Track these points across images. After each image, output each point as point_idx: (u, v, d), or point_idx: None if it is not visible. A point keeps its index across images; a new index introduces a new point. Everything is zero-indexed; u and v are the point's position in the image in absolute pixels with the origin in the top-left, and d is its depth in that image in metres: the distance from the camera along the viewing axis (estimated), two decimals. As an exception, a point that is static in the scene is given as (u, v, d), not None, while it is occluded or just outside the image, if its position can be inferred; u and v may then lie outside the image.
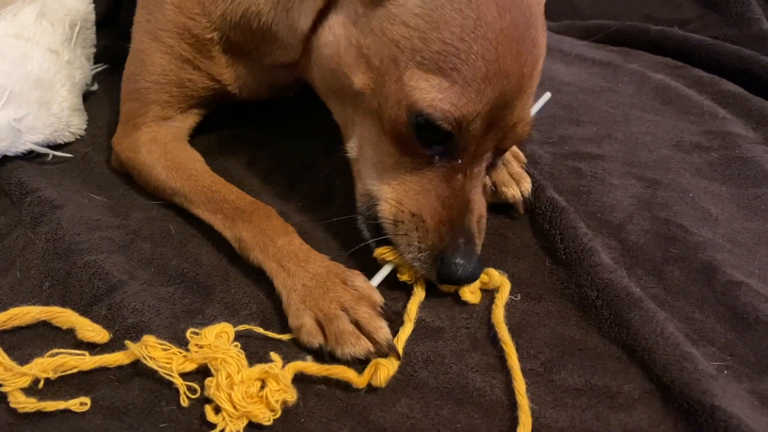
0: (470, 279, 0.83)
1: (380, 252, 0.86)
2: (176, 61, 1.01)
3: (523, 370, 0.76)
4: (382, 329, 0.78)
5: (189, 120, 1.09)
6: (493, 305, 0.83)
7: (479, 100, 0.75)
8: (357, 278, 0.83)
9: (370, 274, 0.86)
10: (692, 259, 0.91)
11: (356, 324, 0.78)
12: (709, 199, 1.03)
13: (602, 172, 1.06)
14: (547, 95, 1.26)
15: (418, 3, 0.76)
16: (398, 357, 0.77)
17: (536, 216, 0.96)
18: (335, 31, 0.84)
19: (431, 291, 0.87)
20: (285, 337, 0.81)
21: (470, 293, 0.86)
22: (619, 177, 1.06)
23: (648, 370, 0.77)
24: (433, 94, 0.75)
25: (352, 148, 0.87)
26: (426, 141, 0.79)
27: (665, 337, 0.77)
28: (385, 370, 0.76)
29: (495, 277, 0.87)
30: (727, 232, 0.97)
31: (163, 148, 1.02)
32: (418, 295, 0.85)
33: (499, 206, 0.99)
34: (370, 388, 0.75)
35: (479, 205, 0.84)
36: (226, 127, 1.18)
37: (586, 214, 0.98)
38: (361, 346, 0.77)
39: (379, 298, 0.82)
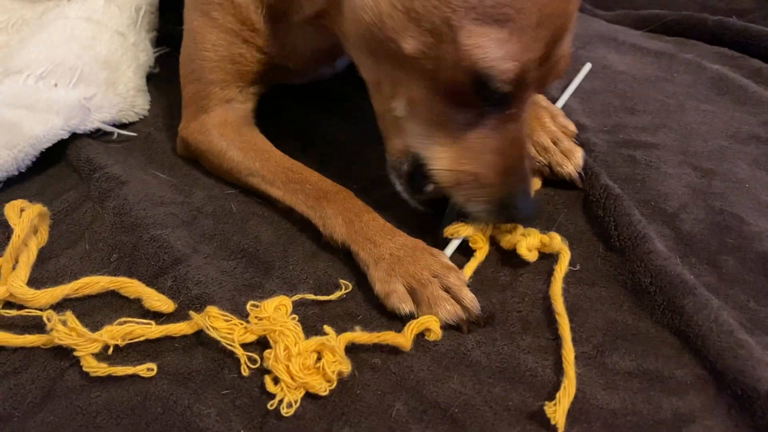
0: (531, 217, 0.86)
1: (450, 231, 0.88)
2: (225, 35, 1.03)
3: (575, 354, 0.76)
4: (472, 299, 0.81)
5: (249, 102, 1.11)
6: (552, 277, 0.84)
7: (535, 47, 0.75)
8: (442, 254, 0.86)
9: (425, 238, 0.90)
10: (748, 248, 0.91)
11: (447, 291, 0.81)
12: (766, 190, 1.02)
13: (657, 161, 1.06)
14: (588, 66, 1.26)
15: None
16: (485, 325, 0.81)
17: (590, 203, 0.97)
18: None
19: (482, 274, 0.89)
20: (333, 296, 0.84)
21: (527, 250, 0.87)
22: (673, 166, 1.05)
23: (701, 356, 0.76)
24: (493, 53, 0.74)
25: (397, 106, 0.85)
26: (487, 95, 0.78)
27: (719, 324, 0.77)
28: (436, 324, 0.79)
29: (556, 240, 0.87)
30: (784, 223, 0.96)
31: (237, 130, 1.05)
32: (478, 258, 0.89)
33: (558, 182, 1.01)
34: (423, 365, 0.77)
35: (529, 148, 0.87)
36: (278, 114, 1.20)
37: (640, 202, 0.98)
38: (455, 312, 0.80)
39: (463, 274, 0.85)
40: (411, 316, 0.81)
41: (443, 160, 0.84)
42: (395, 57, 0.81)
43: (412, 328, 0.78)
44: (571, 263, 0.87)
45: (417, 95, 0.82)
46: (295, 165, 0.99)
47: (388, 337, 0.77)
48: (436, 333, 0.79)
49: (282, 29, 1.02)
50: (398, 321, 0.82)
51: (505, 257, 0.91)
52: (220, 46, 1.03)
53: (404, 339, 0.77)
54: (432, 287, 0.81)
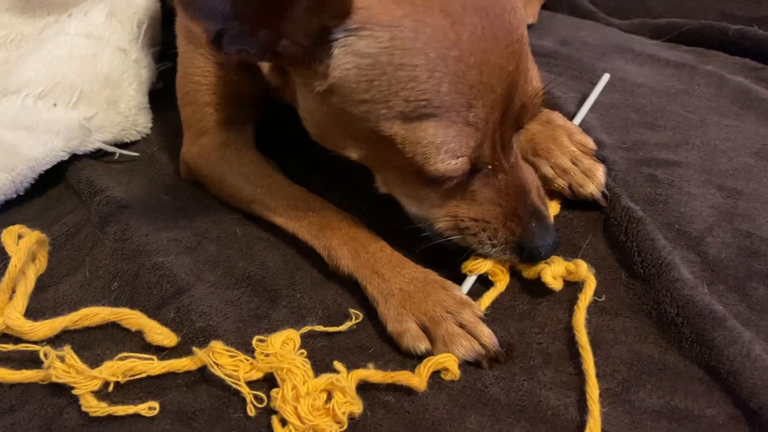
0: (553, 250, 0.82)
1: (469, 267, 0.85)
2: (211, 62, 1.00)
3: (599, 390, 0.72)
4: (490, 335, 0.78)
5: (249, 123, 1.08)
6: (575, 306, 0.81)
7: (475, 127, 0.73)
8: (455, 287, 0.82)
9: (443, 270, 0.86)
10: (778, 275, 0.87)
11: (461, 327, 0.78)
12: (795, 211, 0.97)
13: (679, 180, 1.01)
14: (606, 77, 1.22)
15: (361, 80, 0.72)
16: (505, 362, 0.77)
17: (611, 226, 0.93)
18: (310, 105, 0.81)
19: (499, 302, 0.85)
20: (343, 327, 0.81)
21: (552, 279, 0.83)
22: (697, 185, 1.01)
23: (733, 393, 0.73)
24: (433, 157, 0.73)
25: (381, 185, 0.87)
26: (448, 179, 0.77)
27: (752, 359, 0.73)
28: (453, 363, 0.75)
29: (582, 268, 0.84)
30: (816, 247, 0.91)
31: (237, 154, 1.01)
32: (498, 288, 0.85)
33: (580, 202, 0.97)
34: (439, 404, 0.73)
35: (531, 180, 0.83)
36: (284, 132, 1.17)
37: (664, 225, 0.93)
38: (472, 348, 0.76)
39: (479, 308, 0.81)
40: (428, 353, 0.77)
41: (442, 219, 0.83)
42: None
43: (428, 367, 0.74)
44: (596, 293, 0.83)
45: (390, 179, 0.84)
46: (297, 191, 0.96)
47: (402, 377, 0.73)
48: (453, 373, 0.75)
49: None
50: (413, 354, 0.78)
51: (522, 284, 0.88)
52: (208, 72, 1.01)
53: (419, 380, 0.73)
54: (446, 324, 0.78)
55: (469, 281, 0.85)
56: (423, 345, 0.77)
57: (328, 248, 0.88)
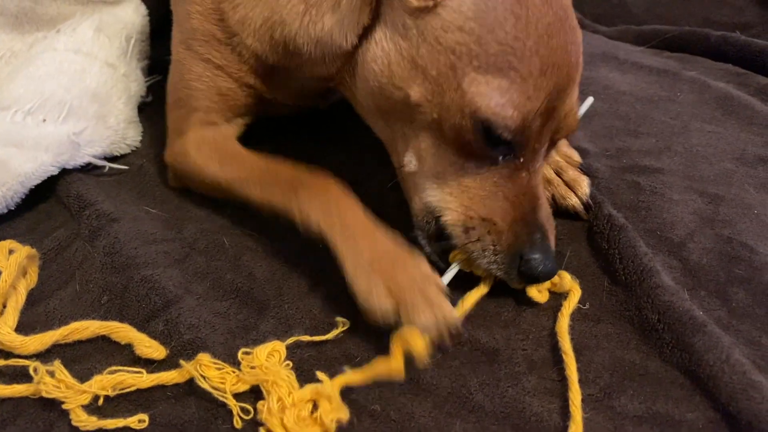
0: (551, 274, 0.83)
1: (453, 255, 0.85)
2: (210, 68, 1.01)
3: (581, 396, 0.74)
4: (451, 310, 0.77)
5: (234, 128, 1.08)
6: (559, 313, 0.82)
7: (537, 96, 0.76)
8: (423, 262, 0.81)
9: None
10: (758, 280, 0.88)
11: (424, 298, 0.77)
12: (776, 216, 0.99)
13: (662, 187, 1.03)
14: (590, 99, 1.24)
15: (471, 7, 0.76)
16: (461, 337, 0.78)
17: (594, 234, 0.94)
18: (383, 46, 0.83)
19: (485, 309, 0.86)
20: (330, 336, 0.81)
21: (537, 292, 0.85)
22: (679, 192, 1.02)
23: (713, 398, 0.74)
24: (495, 99, 0.75)
25: (409, 161, 0.86)
26: (492, 143, 0.78)
27: (731, 364, 0.74)
28: (418, 339, 0.73)
29: (566, 280, 0.85)
30: (796, 251, 0.93)
31: (213, 145, 1.02)
32: (482, 289, 0.85)
33: (562, 213, 0.98)
34: (425, 411, 0.74)
35: (545, 204, 0.84)
36: (274, 141, 1.18)
37: (646, 232, 0.95)
38: (434, 317, 0.74)
39: (442, 284, 0.80)
40: (394, 313, 0.75)
41: (453, 210, 0.83)
42: (403, 110, 0.82)
43: (399, 346, 0.73)
44: (579, 301, 0.84)
45: (425, 146, 0.83)
46: (271, 162, 0.95)
47: (381, 369, 0.73)
48: (419, 351, 0.72)
49: (272, 71, 1.00)
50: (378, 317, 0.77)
51: (508, 290, 0.88)
52: (206, 78, 1.02)
53: (397, 363, 0.72)
54: (410, 293, 0.76)
55: (450, 273, 0.84)
56: (389, 302, 0.76)
57: (299, 207, 0.86)
